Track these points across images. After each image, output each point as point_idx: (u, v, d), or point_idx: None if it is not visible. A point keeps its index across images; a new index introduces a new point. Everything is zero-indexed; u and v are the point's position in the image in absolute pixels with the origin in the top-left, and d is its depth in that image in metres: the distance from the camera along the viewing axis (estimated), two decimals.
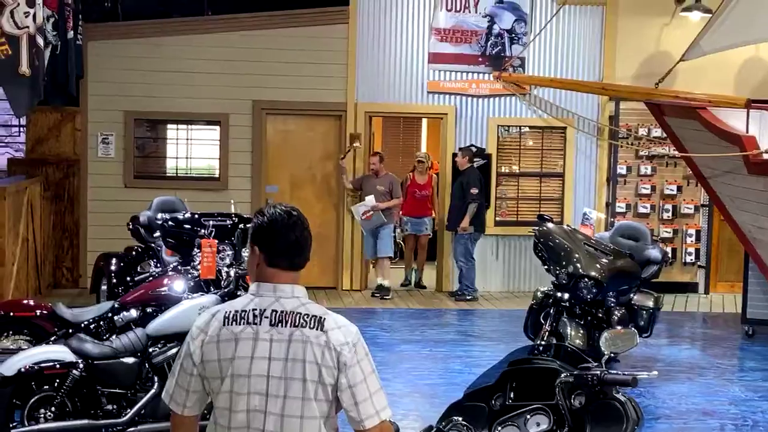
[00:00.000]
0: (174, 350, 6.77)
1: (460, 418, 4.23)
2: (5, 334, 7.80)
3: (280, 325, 3.34)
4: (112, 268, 10.86)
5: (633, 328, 4.42)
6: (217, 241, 8.43)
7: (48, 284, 13.11)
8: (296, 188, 13.58)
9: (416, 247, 14.23)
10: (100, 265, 11.13)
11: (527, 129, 14.16)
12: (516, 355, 4.54)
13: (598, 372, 4.03)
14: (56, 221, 13.48)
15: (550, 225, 9.24)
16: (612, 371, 4.09)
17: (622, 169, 13.94)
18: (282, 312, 3.36)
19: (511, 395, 4.27)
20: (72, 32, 11.46)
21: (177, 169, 14.10)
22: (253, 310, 3.38)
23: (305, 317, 3.34)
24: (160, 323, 6.86)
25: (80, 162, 13.57)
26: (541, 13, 13.85)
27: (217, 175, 13.93)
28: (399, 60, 13.82)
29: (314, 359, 3.30)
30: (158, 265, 10.51)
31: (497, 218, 13.96)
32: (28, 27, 9.55)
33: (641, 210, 13.97)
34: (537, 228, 9.22)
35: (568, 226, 9.78)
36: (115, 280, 10.77)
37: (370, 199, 13.09)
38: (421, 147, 19.11)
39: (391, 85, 13.84)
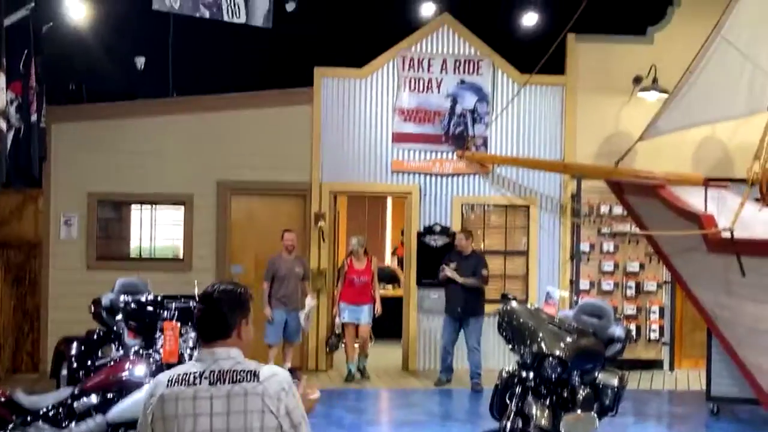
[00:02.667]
0: None
1: None
2: None
3: (218, 383, 3.74)
4: (73, 351, 10.67)
5: (593, 412, 4.41)
6: (179, 323, 8.35)
7: (7, 369, 12.89)
8: (261, 267, 13.51)
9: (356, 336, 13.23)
10: (61, 348, 10.96)
11: (491, 207, 14.26)
12: None
13: None
14: (17, 304, 13.32)
15: (513, 304, 9.23)
16: None
17: (585, 247, 14.07)
18: (219, 371, 3.76)
19: None
20: (36, 115, 11.48)
21: (141, 250, 14.04)
22: (193, 372, 3.77)
23: (241, 373, 3.77)
24: (121, 410, 6.76)
25: (42, 244, 13.47)
26: (503, 93, 14.09)
27: (181, 256, 13.88)
28: (363, 139, 13.97)
29: (256, 408, 3.73)
30: (120, 348, 10.37)
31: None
32: None
33: (605, 287, 14.06)
34: (501, 307, 9.22)
35: (531, 305, 9.80)
36: (75, 365, 10.57)
37: (309, 302, 12.85)
38: (386, 225, 19.24)
39: (356, 164, 13.95)
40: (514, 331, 8.93)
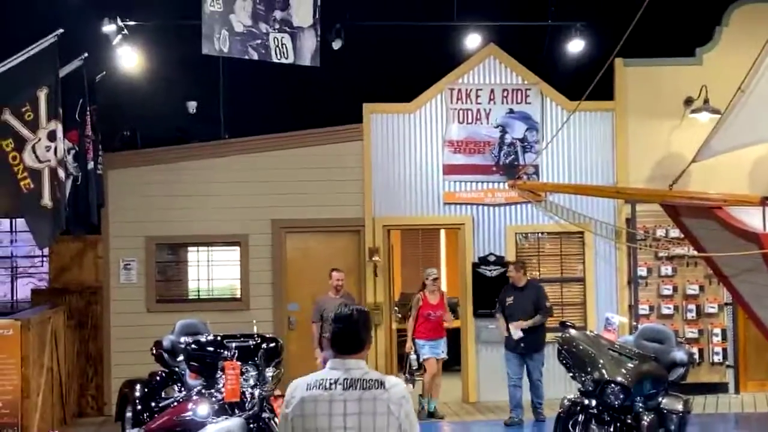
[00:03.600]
0: None
1: None
2: None
3: (351, 389, 4.41)
4: (137, 394, 10.79)
5: None
6: (240, 363, 8.43)
7: (73, 413, 13.09)
8: None
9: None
10: (125, 391, 11.09)
11: (545, 235, 14.21)
12: None
13: None
14: (80, 349, 13.55)
15: (572, 331, 9.21)
16: None
17: (642, 271, 13.94)
18: (351, 379, 4.43)
19: None
20: (92, 162, 11.74)
21: (199, 291, 14.19)
22: (329, 379, 4.45)
23: (369, 381, 4.44)
24: None
25: (102, 289, 13.70)
26: (552, 121, 14.08)
27: (238, 296, 14.01)
28: (414, 173, 14.03)
29: (382, 410, 4.38)
30: (182, 389, 10.48)
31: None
32: (49, 161, 9.80)
33: (664, 311, 13.91)
34: (560, 335, 9.19)
35: (591, 331, 9.74)
36: (140, 407, 10.69)
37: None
38: (440, 258, 19.21)
39: (407, 198, 14.01)
40: (574, 359, 8.90)
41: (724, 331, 13.99)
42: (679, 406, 9.30)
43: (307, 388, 4.46)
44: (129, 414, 10.90)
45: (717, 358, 13.93)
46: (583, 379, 8.66)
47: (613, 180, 14.06)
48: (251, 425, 7.05)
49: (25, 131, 9.74)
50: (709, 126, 13.13)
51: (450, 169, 14.04)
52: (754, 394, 13.78)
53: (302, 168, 13.86)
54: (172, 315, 13.01)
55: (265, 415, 7.16)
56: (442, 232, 18.41)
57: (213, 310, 13.33)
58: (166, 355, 11.08)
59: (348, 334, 4.54)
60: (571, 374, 8.95)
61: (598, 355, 8.75)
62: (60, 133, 9.85)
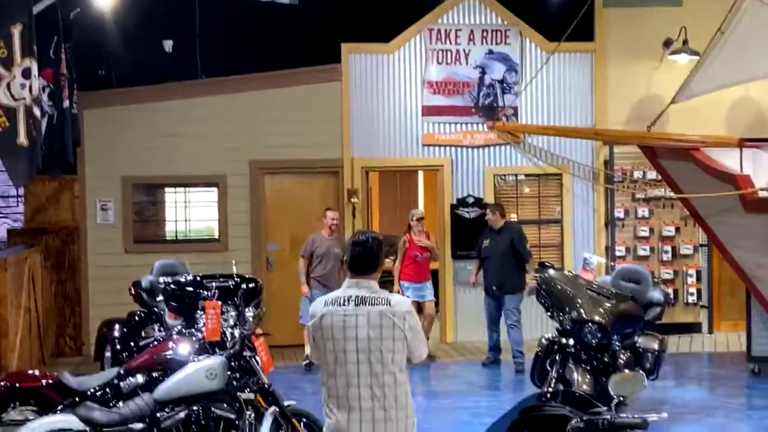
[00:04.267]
0: (182, 414, 6.75)
1: None
2: (11, 405, 7.75)
3: (361, 305, 5.09)
4: (116, 334, 10.80)
5: (640, 371, 4.41)
6: (220, 302, 8.43)
7: (51, 353, 13.08)
8: (297, 244, 13.50)
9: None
10: (103, 331, 11.08)
11: (524, 177, 14.22)
12: (525, 404, 4.53)
13: (609, 416, 4.03)
14: (57, 290, 13.51)
15: (551, 272, 9.27)
16: (622, 414, 4.10)
17: (619, 213, 14.01)
18: (362, 297, 5.12)
19: None
20: (68, 101, 11.56)
21: (176, 233, 14.15)
22: (343, 296, 5.16)
23: (378, 299, 5.12)
24: (168, 387, 6.84)
25: (79, 229, 13.62)
26: (531, 62, 14.01)
27: (216, 237, 13.98)
28: (393, 114, 13.96)
29: (388, 324, 5.06)
30: (162, 329, 10.49)
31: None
32: (24, 98, 9.63)
33: (640, 252, 14.01)
34: (539, 275, 9.24)
35: (569, 272, 9.80)
36: (118, 346, 10.70)
37: None
38: (418, 200, 19.23)
39: (387, 139, 13.95)
40: (552, 299, 8.97)
41: (698, 273, 14.12)
42: (655, 345, 9.44)
43: (325, 305, 5.21)
44: (108, 354, 10.91)
45: (691, 299, 14.09)
46: (561, 318, 8.74)
47: (591, 122, 14.05)
48: (233, 363, 7.06)
49: None
50: (688, 68, 13.11)
51: (429, 111, 13.98)
52: (727, 334, 13.97)
53: (280, 109, 13.75)
54: (150, 256, 12.96)
55: (246, 353, 7.17)
56: (420, 174, 18.40)
57: (191, 251, 13.29)
58: (144, 295, 11.06)
59: (363, 257, 5.21)
60: (549, 314, 9.03)
61: (577, 294, 8.82)
62: (35, 71, 9.66)
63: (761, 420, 9.38)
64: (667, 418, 4.52)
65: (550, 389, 8.67)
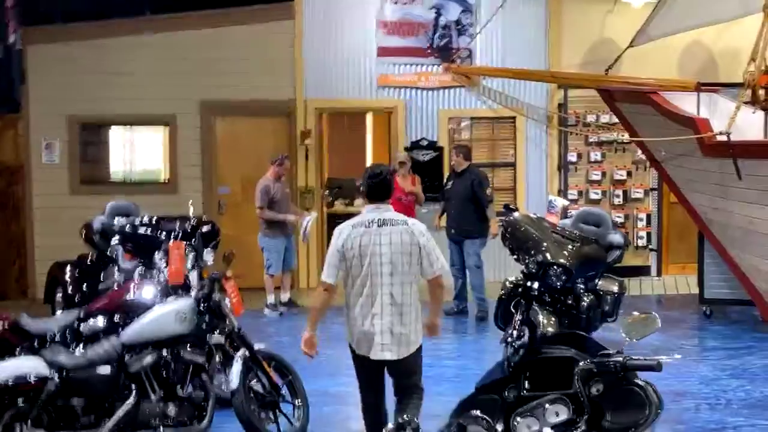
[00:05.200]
0: (150, 357, 6.59)
1: (477, 411, 4.16)
2: None
3: (384, 226, 6.07)
4: (67, 277, 10.55)
5: (653, 312, 4.40)
6: (185, 243, 8.25)
7: None
8: (249, 187, 13.22)
9: None
10: (54, 273, 10.82)
11: (478, 120, 14.12)
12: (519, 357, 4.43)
13: (621, 358, 4.00)
14: (1, 231, 13.12)
15: (516, 214, 9.24)
16: (635, 357, 4.07)
17: (572, 157, 14.03)
18: (383, 219, 6.10)
19: (526, 386, 4.23)
20: (14, 36, 11.13)
21: (124, 174, 13.82)
22: (368, 219, 6.10)
23: (396, 220, 6.14)
24: (135, 330, 6.67)
25: (24, 169, 13.22)
26: (487, 4, 13.84)
27: (167, 179, 13.69)
28: (347, 55, 13.74)
29: (408, 240, 6.07)
30: (119, 271, 10.24)
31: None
32: None
33: (593, 196, 14.07)
34: (504, 218, 9.21)
35: (534, 214, 9.78)
36: (70, 289, 10.47)
37: (313, 215, 12.43)
38: (366, 143, 19.05)
39: (340, 80, 13.75)
40: (518, 241, 8.95)
41: (648, 216, 14.25)
42: (615, 288, 9.52)
43: (353, 227, 6.10)
44: (59, 296, 10.68)
45: (641, 242, 14.23)
46: (526, 261, 8.71)
47: (546, 65, 13.97)
48: (202, 306, 6.90)
49: None
50: (642, 11, 13.14)
51: (383, 51, 13.79)
52: (675, 277, 14.15)
53: (232, 48, 13.41)
54: (97, 198, 12.63)
55: (215, 296, 7.02)
56: (369, 117, 18.21)
57: (139, 193, 12.99)
58: (96, 237, 10.77)
59: (381, 186, 6.19)
60: (514, 257, 9.00)
61: (542, 237, 8.81)
62: None
63: (718, 361, 9.54)
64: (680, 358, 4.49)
65: (515, 332, 8.68)
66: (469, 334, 11.05)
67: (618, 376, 4.05)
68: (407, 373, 6.18)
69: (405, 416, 5.78)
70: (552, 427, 4.17)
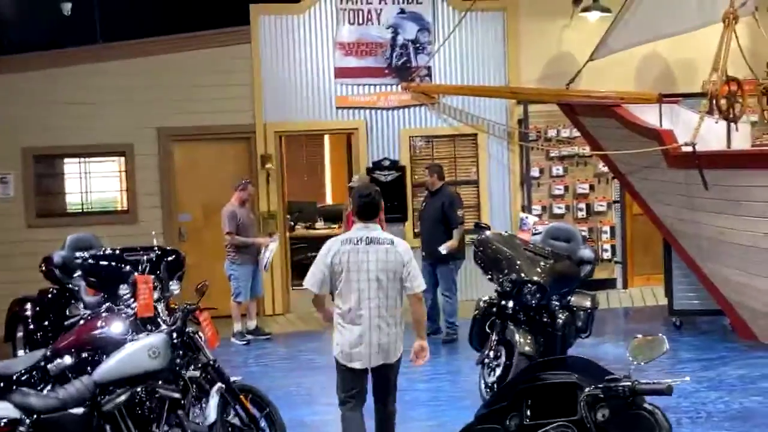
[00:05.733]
0: (125, 396, 6.36)
1: None
2: None
3: (371, 244, 6.49)
4: (28, 312, 10.27)
5: (661, 334, 4.31)
6: (153, 276, 8.04)
7: None
8: (210, 214, 13.06)
9: None
10: (15, 310, 10.52)
11: (439, 138, 14.05)
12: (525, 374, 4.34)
13: (630, 382, 3.90)
14: None
15: (488, 233, 9.16)
16: (643, 381, 3.97)
17: (534, 172, 14.00)
18: (371, 237, 6.52)
19: (528, 414, 4.11)
20: None
21: (83, 205, 13.56)
22: (357, 237, 6.53)
23: (383, 240, 6.55)
24: (108, 368, 6.42)
25: None
26: (444, 22, 13.83)
27: (125, 208, 13.43)
28: (305, 77, 13.63)
29: (393, 258, 6.50)
30: (83, 306, 9.97)
31: (415, 230, 13.66)
32: None
33: (556, 211, 14.04)
34: (476, 237, 9.12)
35: (505, 232, 9.70)
36: (32, 326, 10.20)
37: (275, 240, 12.19)
38: (325, 164, 18.95)
39: (299, 103, 13.62)
40: (490, 260, 8.87)
41: (612, 229, 14.26)
42: (588, 303, 9.45)
43: (342, 244, 6.53)
44: (20, 334, 10.39)
45: (606, 255, 14.22)
46: (500, 279, 8.63)
47: (505, 81, 13.95)
48: (175, 340, 6.70)
49: None
50: (599, 25, 13.21)
51: (341, 72, 13.69)
52: (641, 288, 14.17)
53: (188, 73, 13.25)
54: (55, 230, 12.51)
55: (189, 329, 6.82)
56: (326, 138, 18.11)
57: (99, 223, 12.81)
58: (57, 271, 10.53)
59: (370, 206, 6.63)
60: (487, 276, 8.92)
61: (515, 255, 8.74)
62: None
63: (693, 373, 9.47)
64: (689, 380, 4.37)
65: (491, 352, 8.60)
66: (441, 355, 10.92)
67: (627, 401, 3.94)
68: (389, 380, 6.68)
69: None
70: None
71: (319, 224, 16.62)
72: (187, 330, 6.82)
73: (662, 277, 12.23)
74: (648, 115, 10.95)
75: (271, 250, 11.93)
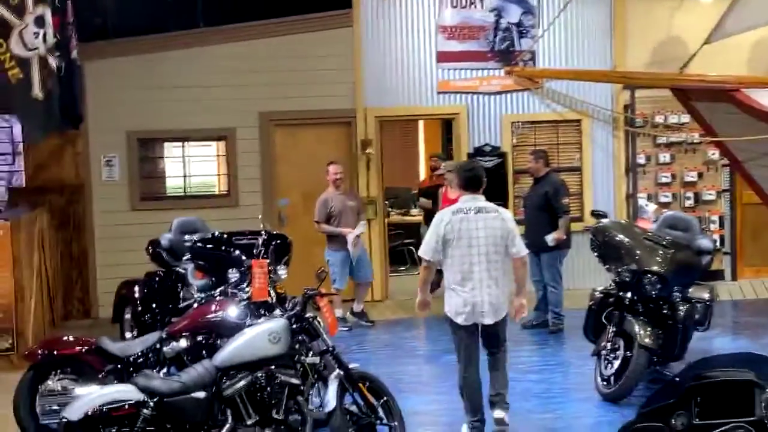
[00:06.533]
0: (245, 381, 6.31)
1: None
2: (53, 373, 7.30)
3: (480, 213, 7.22)
4: (137, 295, 10.32)
5: None
6: (267, 260, 7.98)
7: (60, 316, 12.54)
8: (309, 199, 12.98)
9: None
10: (123, 292, 10.59)
11: (542, 124, 13.74)
12: (696, 369, 4.10)
13: None
14: (63, 250, 12.90)
15: (605, 221, 8.89)
16: None
17: (641, 159, 13.61)
18: (479, 207, 7.25)
19: (697, 412, 3.88)
20: (75, 51, 10.91)
21: (185, 188, 13.60)
22: (466, 207, 7.24)
23: (489, 209, 7.27)
24: (229, 353, 6.38)
25: (84, 187, 13.02)
26: (549, 5, 13.50)
27: (226, 192, 13.45)
28: (407, 61, 13.43)
29: (499, 225, 7.22)
30: (188, 289, 9.97)
31: (516, 217, 13.33)
32: (38, 48, 9.09)
33: (662, 199, 13.62)
34: (593, 225, 8.86)
35: (625, 220, 9.40)
36: (140, 308, 10.24)
37: (359, 228, 12.04)
38: (419, 149, 18.79)
39: (400, 87, 13.44)
40: (608, 249, 8.61)
41: (721, 219, 13.80)
42: (705, 295, 9.09)
43: (453, 214, 7.23)
44: (128, 315, 10.46)
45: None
46: (618, 269, 8.36)
47: (611, 65, 13.56)
48: (294, 326, 6.61)
49: (10, 16, 8.95)
50: (711, 8, 12.76)
51: (444, 57, 13.47)
52: (751, 281, 13.69)
53: (290, 57, 13.15)
54: (158, 213, 12.64)
55: (308, 314, 6.73)
56: (420, 123, 17.93)
57: (200, 207, 12.82)
58: (164, 254, 10.58)
59: (476, 178, 7.38)
60: (606, 266, 8.65)
61: (634, 244, 8.46)
62: (49, 18, 9.11)
63: None
64: None
65: (609, 344, 8.35)
66: (549, 345, 10.67)
67: None
68: (498, 335, 7.33)
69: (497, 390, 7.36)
70: None
71: (414, 210, 16.45)
72: (306, 315, 6.72)
73: None
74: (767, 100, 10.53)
75: (350, 241, 11.75)
